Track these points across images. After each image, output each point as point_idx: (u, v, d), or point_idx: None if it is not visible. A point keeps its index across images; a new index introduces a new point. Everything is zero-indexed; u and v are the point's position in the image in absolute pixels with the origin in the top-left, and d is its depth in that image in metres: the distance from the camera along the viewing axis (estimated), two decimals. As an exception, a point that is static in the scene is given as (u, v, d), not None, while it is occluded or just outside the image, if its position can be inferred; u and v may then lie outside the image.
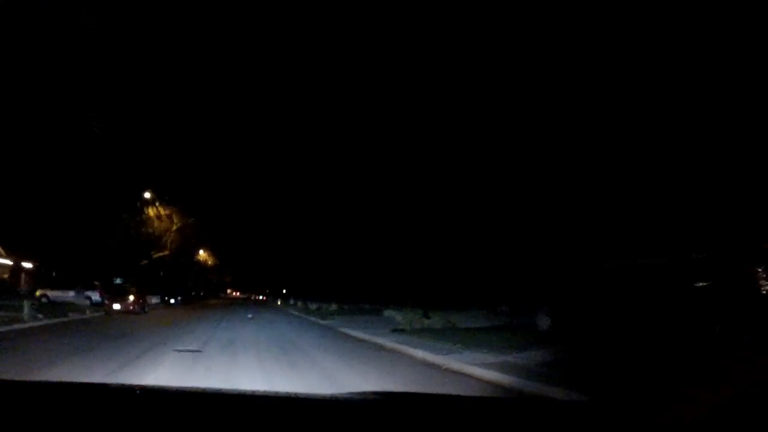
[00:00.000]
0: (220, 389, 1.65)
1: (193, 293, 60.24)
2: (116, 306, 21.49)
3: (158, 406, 1.38)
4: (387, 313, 18.36)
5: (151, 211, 32.58)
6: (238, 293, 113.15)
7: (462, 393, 5.15)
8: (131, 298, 22.23)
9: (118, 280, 52.42)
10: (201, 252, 65.82)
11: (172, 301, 39.61)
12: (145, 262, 33.98)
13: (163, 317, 21.09)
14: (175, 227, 34.43)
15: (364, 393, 1.62)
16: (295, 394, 1.57)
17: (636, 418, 1.32)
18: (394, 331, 14.53)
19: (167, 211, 33.38)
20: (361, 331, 15.13)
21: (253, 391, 1.66)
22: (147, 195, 32.31)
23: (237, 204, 57.97)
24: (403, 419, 1.31)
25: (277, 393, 1.73)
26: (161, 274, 62.03)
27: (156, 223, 33.01)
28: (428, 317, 16.03)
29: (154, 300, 39.60)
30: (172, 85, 34.33)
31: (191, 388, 1.75)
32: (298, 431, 1.21)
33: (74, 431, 1.14)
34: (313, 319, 23.05)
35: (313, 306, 33.48)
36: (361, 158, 38.42)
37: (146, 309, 24.21)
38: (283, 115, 56.08)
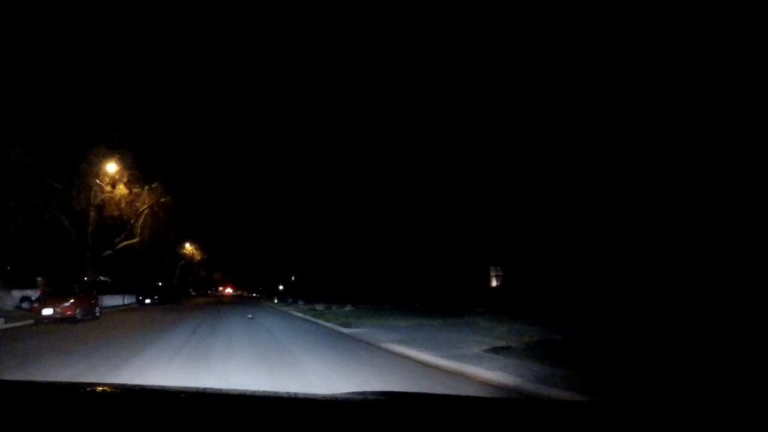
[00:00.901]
0: (221, 389, 1.61)
1: (176, 291, 53.62)
2: (47, 311, 14.91)
3: (158, 406, 1.35)
4: (483, 323, 11.91)
5: (111, 187, 25.71)
6: (230, 290, 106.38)
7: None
8: (71, 300, 15.59)
9: (101, 278, 45.96)
10: (187, 245, 59.07)
11: (148, 301, 33.00)
12: (110, 252, 27.19)
13: (115, 327, 14.61)
14: (144, 207, 27.50)
15: (364, 393, 1.59)
16: (295, 394, 1.50)
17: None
18: (495, 350, 8.15)
19: (126, 183, 26.37)
20: (431, 351, 8.74)
21: (253, 391, 1.55)
22: (112, 168, 25.48)
23: (226, 192, 51.40)
24: (403, 419, 1.29)
25: (277, 393, 1.54)
26: (141, 270, 55.41)
27: (122, 204, 26.20)
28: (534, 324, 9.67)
29: (128, 300, 33.08)
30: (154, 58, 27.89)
31: (191, 388, 1.63)
32: (298, 431, 1.19)
33: (75, 431, 1.13)
34: (327, 325, 16.62)
35: (320, 306, 27.00)
36: (368, 137, 32.12)
37: (97, 313, 17.63)
38: (283, 96, 49.88)
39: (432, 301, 26.98)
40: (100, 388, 1.79)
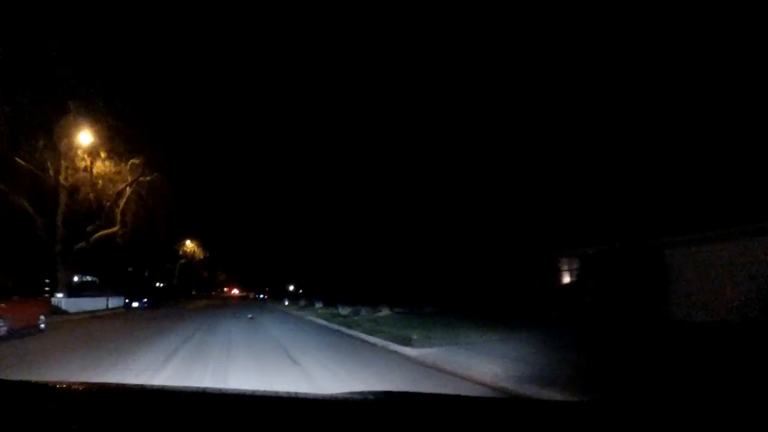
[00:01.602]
0: (221, 389, 1.60)
1: (174, 292, 48.63)
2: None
3: (158, 406, 1.34)
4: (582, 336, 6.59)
5: (85, 162, 20.43)
6: (236, 291, 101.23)
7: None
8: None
9: (87, 278, 40.84)
10: (188, 243, 54.04)
11: (136, 304, 27.83)
12: (82, 245, 21.94)
13: (54, 350, 9.41)
14: (123, 186, 22.06)
15: (363, 393, 1.54)
16: (295, 393, 1.48)
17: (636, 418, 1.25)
18: None
19: (105, 158, 21.00)
20: None
21: (253, 391, 1.52)
22: (86, 139, 20.24)
23: (228, 185, 46.41)
24: (403, 419, 1.27)
25: (277, 393, 1.51)
26: (140, 269, 50.32)
27: (99, 184, 20.96)
28: None
29: (114, 302, 27.98)
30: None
31: (191, 388, 1.65)
32: (298, 431, 1.18)
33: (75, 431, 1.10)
34: (372, 340, 11.35)
35: (345, 309, 21.71)
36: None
37: (42, 325, 12.40)
38: (296, 84, 45.28)
39: (482, 302, 21.59)
40: (101, 388, 1.81)
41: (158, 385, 1.71)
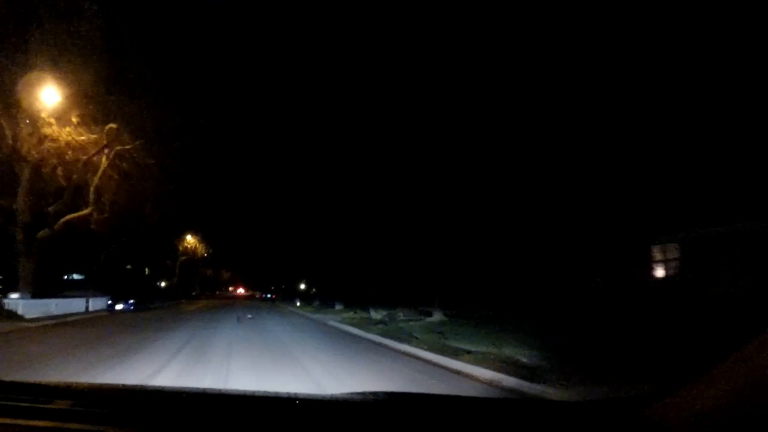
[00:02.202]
0: (221, 389, 1.62)
1: (174, 292, 44.54)
2: None
3: (159, 406, 1.33)
4: None
5: (51, 127, 16.08)
6: (242, 290, 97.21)
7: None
8: None
9: (75, 276, 36.62)
10: (189, 238, 49.88)
11: (120, 306, 23.50)
12: (46, 232, 17.57)
13: None
14: (95, 153, 17.38)
15: (363, 393, 1.54)
16: (296, 394, 1.46)
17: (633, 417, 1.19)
18: None
19: (77, 125, 16.54)
20: None
21: (254, 391, 1.53)
22: (50, 96, 15.93)
23: (231, 176, 42.16)
24: (403, 419, 1.26)
25: (277, 393, 1.50)
26: (140, 267, 46.21)
27: (69, 153, 16.60)
28: None
29: (97, 304, 23.79)
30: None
31: (191, 388, 1.60)
32: (298, 431, 1.17)
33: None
34: (449, 365, 6.98)
35: (377, 313, 17.29)
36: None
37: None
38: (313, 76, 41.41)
39: (547, 303, 17.07)
40: (101, 388, 1.77)
41: (159, 386, 1.66)
